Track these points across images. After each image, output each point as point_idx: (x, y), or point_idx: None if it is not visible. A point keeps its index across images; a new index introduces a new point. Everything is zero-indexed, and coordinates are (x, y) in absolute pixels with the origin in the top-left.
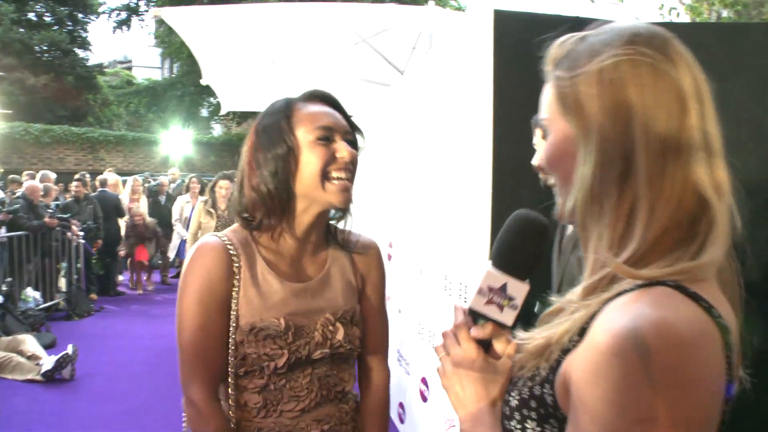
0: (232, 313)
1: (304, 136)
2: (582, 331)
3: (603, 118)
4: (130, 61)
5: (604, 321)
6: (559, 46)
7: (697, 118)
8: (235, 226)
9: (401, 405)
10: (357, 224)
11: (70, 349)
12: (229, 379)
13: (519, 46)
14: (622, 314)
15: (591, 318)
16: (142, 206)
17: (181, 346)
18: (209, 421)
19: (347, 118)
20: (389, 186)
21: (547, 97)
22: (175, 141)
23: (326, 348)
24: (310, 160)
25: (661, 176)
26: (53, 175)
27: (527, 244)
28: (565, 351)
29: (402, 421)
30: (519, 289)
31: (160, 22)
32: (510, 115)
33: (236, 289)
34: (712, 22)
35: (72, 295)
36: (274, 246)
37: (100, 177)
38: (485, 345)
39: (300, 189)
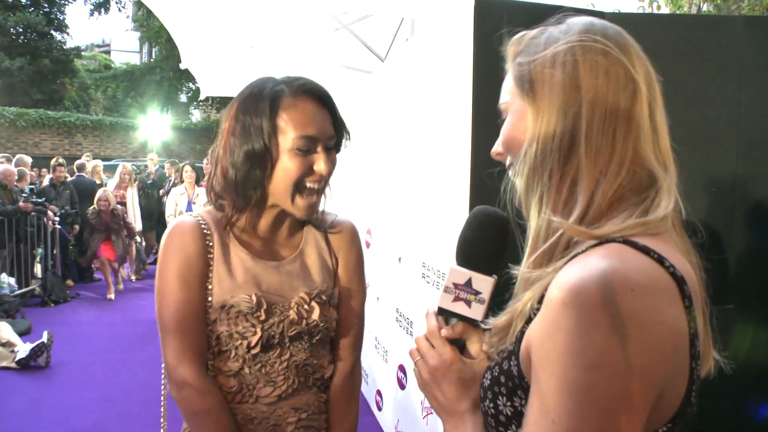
0: (207, 289)
1: (285, 141)
2: (542, 299)
3: (554, 95)
4: (108, 45)
5: (557, 278)
6: (518, 41)
7: (646, 104)
8: (210, 206)
9: (379, 392)
10: (336, 211)
11: (45, 337)
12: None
13: (500, 32)
14: (572, 269)
15: (549, 284)
16: (128, 197)
17: (166, 325)
18: (208, 396)
19: (335, 117)
20: (368, 173)
21: (507, 83)
22: (154, 126)
23: (302, 326)
24: (285, 168)
25: (609, 150)
26: (29, 159)
27: (487, 239)
28: (528, 321)
29: (380, 408)
30: (484, 283)
31: (139, 6)
32: (490, 103)
33: (210, 266)
34: (693, 14)
35: (48, 281)
36: (247, 226)
37: (78, 162)
38: (459, 345)
39: (270, 189)
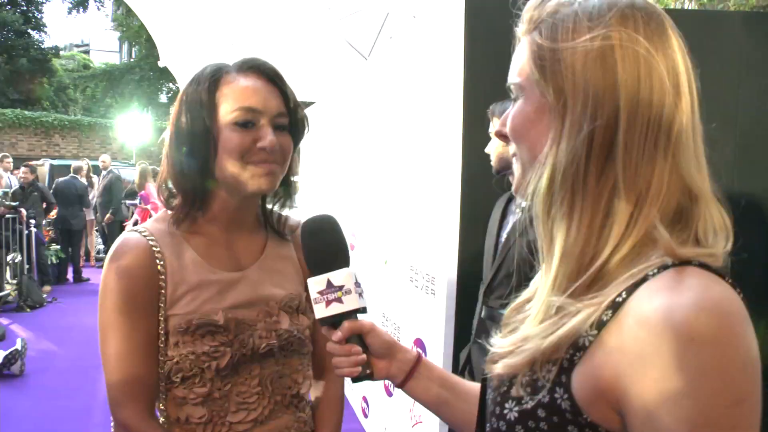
0: (160, 317)
1: (225, 115)
2: (600, 325)
3: (587, 95)
4: (87, 45)
5: (656, 307)
6: (538, 6)
7: (690, 110)
8: (161, 213)
9: (365, 399)
10: (320, 213)
11: (19, 344)
12: (161, 393)
13: (491, 31)
14: (675, 298)
15: (610, 308)
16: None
17: (106, 362)
18: None
19: (287, 96)
20: (353, 174)
21: (522, 60)
22: (133, 127)
23: (272, 339)
24: (226, 144)
25: (650, 165)
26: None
27: (324, 241)
28: (579, 348)
29: (366, 415)
30: (342, 276)
31: (118, 5)
32: (482, 103)
33: (163, 289)
34: (690, 9)
35: (23, 285)
36: (203, 231)
37: (75, 164)
38: (360, 343)
39: (219, 174)
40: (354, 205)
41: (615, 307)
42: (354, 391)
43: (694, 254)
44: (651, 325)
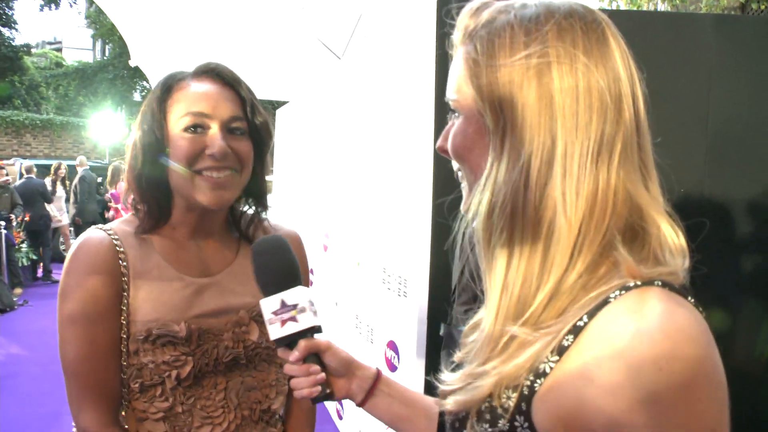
0: (122, 320)
1: (174, 122)
2: (561, 350)
3: (525, 120)
4: (60, 42)
5: (620, 333)
6: (473, 14)
7: (633, 121)
8: (129, 215)
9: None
10: (292, 213)
11: None
12: (123, 400)
13: None
14: (639, 321)
15: (571, 332)
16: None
17: (66, 366)
18: None
19: (244, 100)
20: (326, 175)
21: (458, 75)
22: (106, 126)
23: (238, 350)
24: (175, 153)
25: (593, 186)
26: None
27: (275, 261)
28: (540, 375)
29: (341, 417)
30: (295, 295)
31: (91, 2)
32: None
33: (125, 292)
34: (660, 11)
35: None
36: (171, 236)
37: (26, 164)
38: (318, 362)
39: (173, 184)
40: (326, 207)
41: (576, 331)
42: None
43: (656, 274)
44: (615, 351)
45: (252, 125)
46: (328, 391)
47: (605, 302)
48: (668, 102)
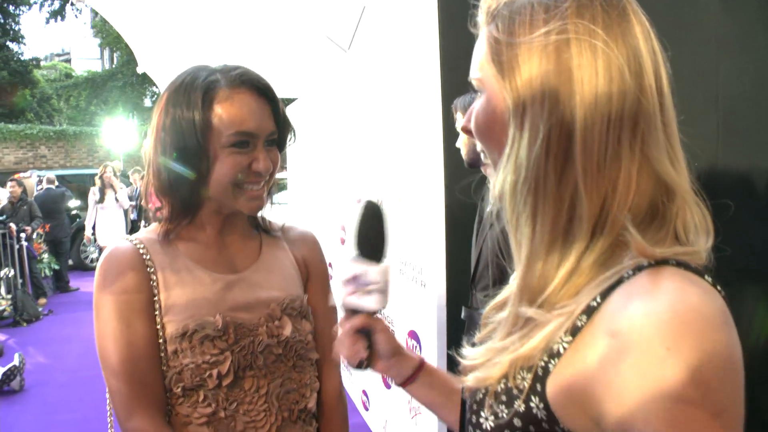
0: (157, 326)
1: (220, 138)
2: (574, 330)
3: (544, 96)
4: (68, 54)
5: (631, 314)
6: None
7: (656, 97)
8: (152, 225)
9: (365, 392)
10: (308, 208)
11: (17, 359)
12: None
13: (465, 22)
14: (650, 302)
15: (585, 313)
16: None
17: (111, 372)
18: None
19: (277, 110)
20: (339, 168)
21: (481, 54)
22: (119, 133)
23: (274, 345)
24: (221, 168)
25: (616, 163)
26: None
27: (376, 225)
28: (554, 355)
29: (366, 408)
30: (379, 272)
31: (96, 12)
32: (458, 93)
33: (156, 297)
34: None
35: (18, 300)
36: (195, 237)
37: (48, 176)
38: (368, 338)
39: (209, 191)
40: (342, 200)
41: (589, 312)
42: (354, 385)
43: (671, 253)
44: (626, 333)
45: (281, 134)
46: (365, 364)
47: (619, 282)
48: (677, 79)
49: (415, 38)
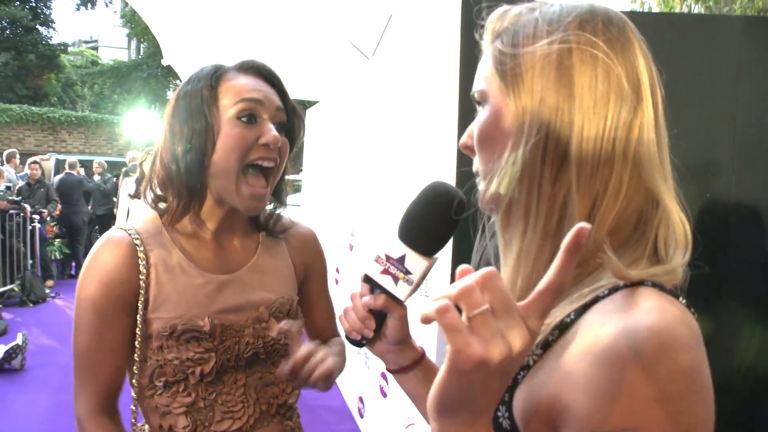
0: (137, 318)
1: (227, 109)
2: (545, 345)
3: (544, 100)
4: (96, 41)
5: (606, 333)
6: (500, 17)
7: (651, 113)
8: (152, 213)
9: (360, 399)
10: (319, 212)
11: (19, 339)
12: (133, 394)
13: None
14: (626, 322)
15: (557, 328)
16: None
17: (75, 355)
18: None
19: (284, 97)
20: (352, 174)
21: (485, 68)
22: (140, 124)
23: (258, 346)
24: (227, 142)
25: (607, 169)
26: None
27: (430, 217)
28: (523, 367)
29: (362, 415)
30: (418, 264)
31: (126, 1)
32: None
33: (142, 290)
34: (685, 13)
35: (26, 280)
36: (192, 232)
37: (70, 160)
38: (380, 317)
39: (213, 172)
40: (352, 206)
41: (562, 328)
42: (350, 392)
43: (647, 275)
44: (601, 351)
45: (290, 120)
46: (364, 342)
47: (594, 301)
48: (696, 103)
49: (437, 49)
